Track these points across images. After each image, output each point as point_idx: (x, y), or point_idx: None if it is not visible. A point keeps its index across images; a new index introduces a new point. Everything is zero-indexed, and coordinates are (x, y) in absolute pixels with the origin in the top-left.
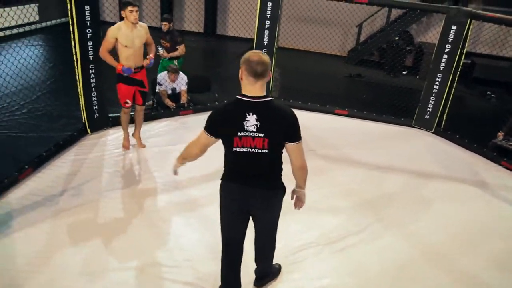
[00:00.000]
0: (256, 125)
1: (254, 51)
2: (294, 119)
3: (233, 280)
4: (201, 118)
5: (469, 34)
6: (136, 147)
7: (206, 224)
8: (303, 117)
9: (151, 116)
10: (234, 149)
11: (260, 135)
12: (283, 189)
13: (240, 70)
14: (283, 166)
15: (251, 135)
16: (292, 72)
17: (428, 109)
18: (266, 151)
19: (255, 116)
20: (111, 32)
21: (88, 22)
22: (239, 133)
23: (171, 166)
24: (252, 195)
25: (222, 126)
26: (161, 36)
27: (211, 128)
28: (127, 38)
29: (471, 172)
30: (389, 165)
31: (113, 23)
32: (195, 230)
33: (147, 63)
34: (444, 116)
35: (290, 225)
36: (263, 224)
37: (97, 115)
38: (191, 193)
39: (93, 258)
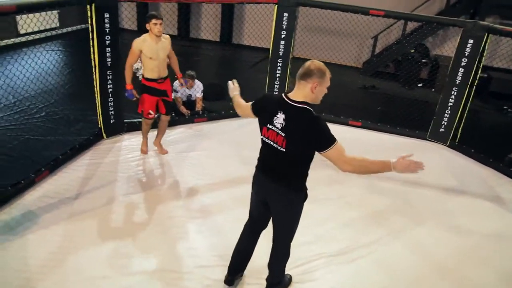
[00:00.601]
0: (282, 124)
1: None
2: (320, 131)
3: (238, 260)
4: (216, 126)
5: (486, 48)
6: (155, 152)
7: (217, 232)
8: None
9: None
10: (261, 136)
11: (282, 134)
12: (300, 190)
13: None
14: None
15: (276, 131)
16: None
17: (443, 122)
18: (284, 150)
19: (283, 116)
20: (136, 44)
21: (107, 29)
22: (268, 125)
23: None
24: (267, 186)
25: (260, 110)
26: None
27: (254, 105)
28: (152, 50)
29: (486, 186)
30: (403, 177)
31: (131, 31)
32: (206, 238)
33: (182, 87)
34: (459, 130)
35: (300, 235)
36: (277, 219)
37: (113, 120)
38: (204, 200)
39: (106, 262)
